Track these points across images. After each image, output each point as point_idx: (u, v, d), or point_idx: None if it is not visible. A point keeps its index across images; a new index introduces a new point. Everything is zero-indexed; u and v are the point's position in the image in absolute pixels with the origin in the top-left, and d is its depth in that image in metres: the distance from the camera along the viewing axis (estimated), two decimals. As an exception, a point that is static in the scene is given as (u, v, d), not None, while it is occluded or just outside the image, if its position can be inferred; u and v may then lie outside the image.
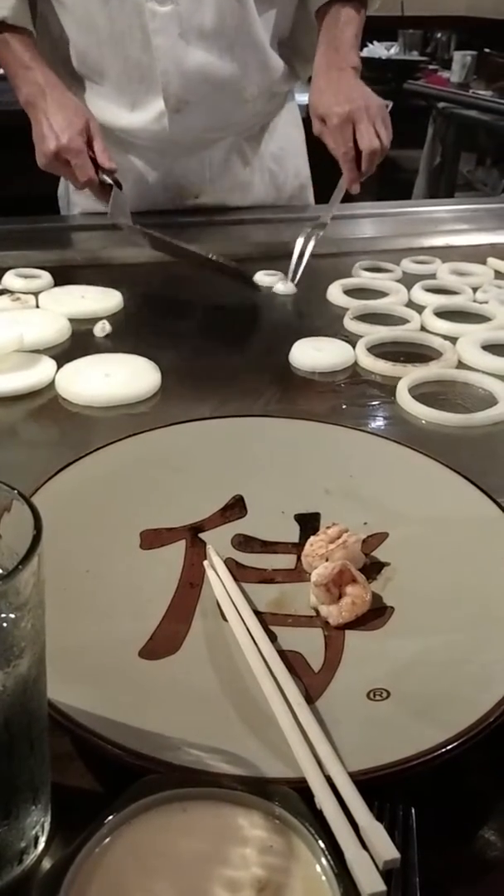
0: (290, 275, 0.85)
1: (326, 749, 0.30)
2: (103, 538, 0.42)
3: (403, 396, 0.63)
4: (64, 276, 0.85)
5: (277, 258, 0.90)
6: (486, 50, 2.85)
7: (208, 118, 0.94)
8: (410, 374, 0.66)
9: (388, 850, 0.26)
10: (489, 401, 0.64)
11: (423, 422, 0.61)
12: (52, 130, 0.81)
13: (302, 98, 1.02)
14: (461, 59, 2.80)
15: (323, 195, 1.14)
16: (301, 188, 1.11)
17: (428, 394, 0.65)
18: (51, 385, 0.64)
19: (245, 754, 0.30)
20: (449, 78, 2.85)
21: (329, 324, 0.77)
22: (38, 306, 0.79)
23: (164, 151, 0.98)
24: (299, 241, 0.86)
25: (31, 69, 0.84)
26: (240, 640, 0.37)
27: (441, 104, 2.61)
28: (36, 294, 0.81)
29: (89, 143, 0.82)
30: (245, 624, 0.37)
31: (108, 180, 0.83)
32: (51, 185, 1.08)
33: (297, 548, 0.43)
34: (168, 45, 0.86)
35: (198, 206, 1.03)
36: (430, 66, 3.04)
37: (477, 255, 0.96)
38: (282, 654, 0.36)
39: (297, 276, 0.84)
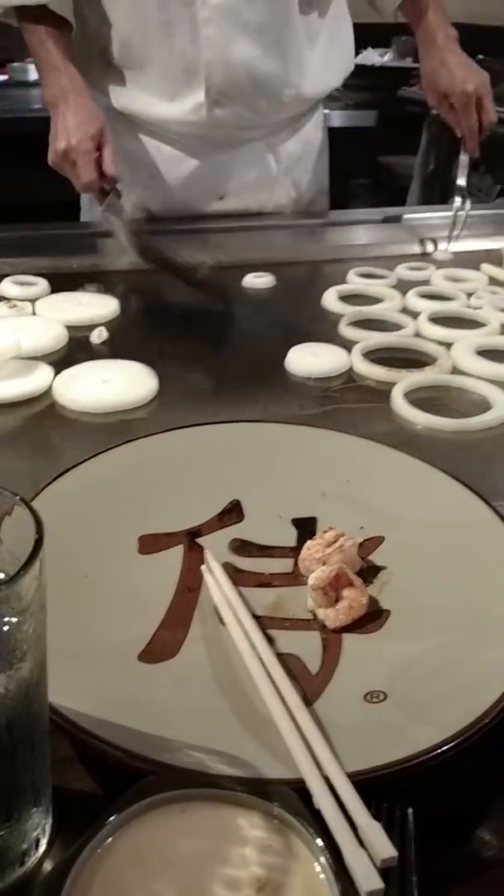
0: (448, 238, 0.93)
1: (324, 750, 0.31)
2: (102, 543, 0.43)
3: (398, 402, 0.64)
4: (61, 283, 0.86)
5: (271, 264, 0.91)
6: (480, 56, 2.87)
7: (245, 115, 0.96)
8: (405, 380, 0.67)
9: (385, 848, 0.27)
10: (483, 406, 0.65)
11: (419, 427, 0.62)
12: (66, 130, 0.82)
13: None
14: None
15: (335, 202, 1.16)
16: (320, 194, 1.12)
17: (423, 399, 0.65)
18: (48, 392, 0.65)
19: (244, 756, 0.31)
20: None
21: (324, 330, 0.78)
22: (34, 313, 0.79)
23: (195, 147, 1.00)
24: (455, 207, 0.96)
25: (59, 71, 0.85)
26: (238, 644, 0.37)
27: (435, 111, 2.63)
28: (33, 301, 0.81)
29: (99, 149, 0.83)
30: (243, 627, 0.38)
31: (108, 188, 0.84)
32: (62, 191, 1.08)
33: (295, 552, 0.44)
34: (216, 37, 0.89)
35: (220, 212, 1.04)
36: (424, 73, 3.06)
37: (471, 260, 0.97)
38: (280, 657, 0.36)
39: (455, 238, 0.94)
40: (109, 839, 0.26)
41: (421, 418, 0.62)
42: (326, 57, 0.99)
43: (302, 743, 0.31)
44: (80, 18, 0.92)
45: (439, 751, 0.30)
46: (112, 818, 0.26)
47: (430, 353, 0.73)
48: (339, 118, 1.95)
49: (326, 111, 1.17)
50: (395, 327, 0.78)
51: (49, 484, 0.44)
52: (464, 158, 0.97)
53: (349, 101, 1.72)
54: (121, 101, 0.96)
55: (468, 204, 0.96)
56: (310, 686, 0.35)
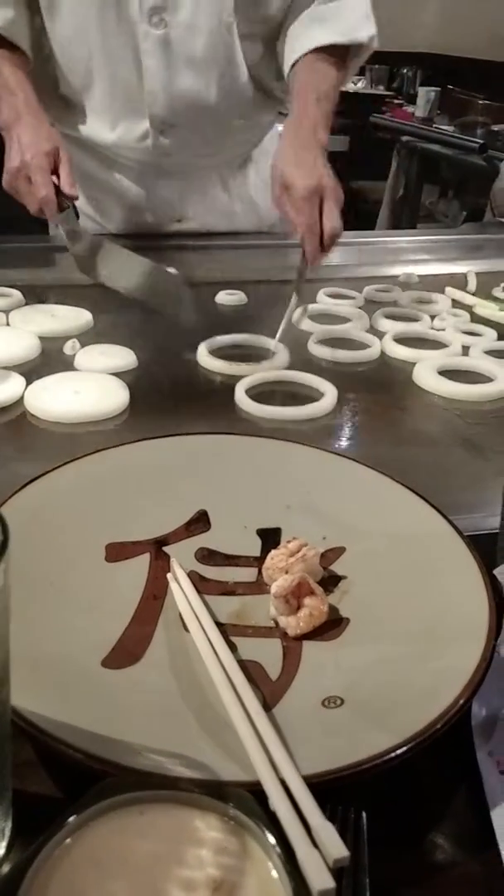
0: (277, 337, 0.79)
1: (281, 754, 0.31)
2: (69, 550, 0.43)
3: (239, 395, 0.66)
4: (34, 294, 0.86)
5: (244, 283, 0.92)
6: (450, 87, 2.97)
7: (193, 143, 0.96)
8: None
9: (337, 848, 0.27)
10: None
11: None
12: (20, 149, 0.80)
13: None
14: (425, 95, 2.91)
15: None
16: (281, 218, 1.14)
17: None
18: (19, 401, 0.65)
19: (203, 759, 0.31)
20: (413, 112, 2.96)
21: (294, 347, 0.79)
22: (8, 324, 0.80)
23: (147, 172, 1.00)
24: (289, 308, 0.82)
25: (13, 94, 0.83)
26: (201, 650, 0.38)
27: (405, 138, 2.70)
28: (6, 312, 0.81)
29: (55, 169, 0.80)
30: (206, 634, 0.39)
31: (66, 205, 0.80)
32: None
33: (259, 561, 0.45)
34: (157, 68, 0.88)
35: (181, 230, 1.05)
36: (396, 101, 3.15)
37: (436, 284, 1.00)
38: (241, 663, 0.37)
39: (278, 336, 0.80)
40: (67, 840, 0.26)
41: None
42: (279, 81, 0.98)
43: (260, 747, 0.32)
44: (36, 46, 0.91)
45: (393, 755, 0.31)
46: (71, 819, 0.26)
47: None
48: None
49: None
50: (362, 346, 0.80)
51: (17, 492, 0.45)
52: (301, 267, 0.79)
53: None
54: (70, 128, 0.97)
55: (294, 303, 0.80)
56: (270, 691, 0.36)
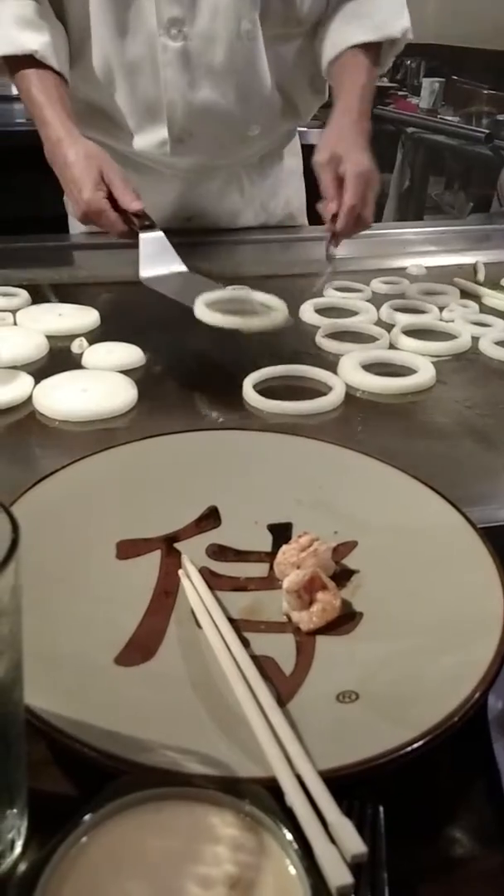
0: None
1: (297, 749, 0.31)
2: (80, 548, 0.43)
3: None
4: (41, 294, 0.86)
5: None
6: (454, 77, 2.95)
7: (210, 150, 0.96)
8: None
9: (355, 843, 0.27)
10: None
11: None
12: (72, 195, 0.78)
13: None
14: (430, 86, 2.89)
15: (316, 218, 1.18)
16: (289, 216, 1.13)
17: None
18: (28, 401, 0.65)
19: (218, 755, 0.31)
20: (418, 104, 2.94)
21: (301, 341, 0.79)
22: (15, 324, 0.80)
23: (162, 175, 1.00)
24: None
25: (47, 125, 0.81)
26: (214, 647, 0.38)
27: (410, 129, 2.68)
28: (14, 312, 0.81)
29: (110, 194, 0.77)
30: (219, 630, 0.38)
31: (137, 226, 0.77)
32: (59, 205, 1.08)
33: (270, 556, 0.45)
34: (176, 79, 0.88)
35: (188, 228, 1.05)
36: (400, 93, 3.13)
37: (444, 275, 0.99)
38: (254, 659, 0.37)
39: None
40: (84, 838, 0.26)
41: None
42: (300, 89, 0.99)
43: (275, 742, 0.32)
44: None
45: (409, 749, 0.31)
46: (86, 817, 0.26)
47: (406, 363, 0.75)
48: (316, 136, 1.98)
49: (304, 128, 1.19)
50: (371, 339, 0.80)
51: (28, 490, 0.45)
52: (330, 251, 0.80)
53: (326, 120, 1.75)
54: (87, 129, 0.95)
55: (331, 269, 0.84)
56: (284, 687, 0.36)
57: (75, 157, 0.78)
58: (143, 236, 0.76)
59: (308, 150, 1.15)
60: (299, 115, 1.04)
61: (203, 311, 0.66)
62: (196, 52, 0.87)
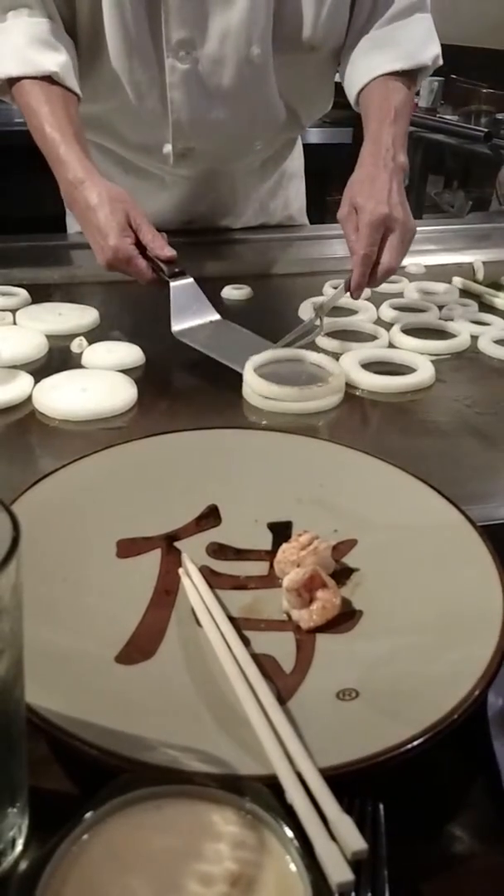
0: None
1: (297, 747, 0.31)
2: (80, 547, 0.43)
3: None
4: (41, 293, 0.86)
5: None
6: (453, 76, 2.95)
7: (213, 161, 0.96)
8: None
9: (356, 841, 0.27)
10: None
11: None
12: (96, 240, 0.74)
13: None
14: (429, 85, 2.88)
15: (317, 217, 1.18)
16: (289, 217, 1.13)
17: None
18: (28, 400, 0.65)
19: (218, 753, 0.31)
20: (417, 102, 2.94)
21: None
22: (15, 323, 0.80)
23: (162, 179, 1.00)
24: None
25: (63, 164, 0.76)
26: (214, 645, 0.38)
27: (409, 128, 2.68)
28: (13, 311, 0.81)
29: (138, 241, 0.74)
30: (219, 629, 0.38)
31: (167, 273, 0.73)
32: (58, 205, 1.08)
33: (270, 555, 0.45)
34: (183, 100, 0.87)
35: (186, 228, 1.05)
36: (399, 92, 3.12)
37: (443, 274, 0.99)
38: (255, 657, 0.37)
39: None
40: (85, 836, 0.26)
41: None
42: (302, 98, 0.98)
43: (275, 740, 0.32)
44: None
45: (409, 746, 0.31)
46: (87, 815, 0.26)
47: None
48: (316, 135, 1.99)
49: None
50: (370, 338, 0.80)
51: (28, 489, 0.45)
52: (342, 288, 0.77)
53: (326, 118, 1.76)
54: (91, 136, 0.94)
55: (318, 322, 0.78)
56: (284, 685, 0.36)
57: (99, 201, 0.73)
58: (174, 285, 0.73)
59: (308, 150, 1.16)
60: (301, 125, 1.03)
61: (254, 379, 0.64)
62: (204, 74, 0.86)
